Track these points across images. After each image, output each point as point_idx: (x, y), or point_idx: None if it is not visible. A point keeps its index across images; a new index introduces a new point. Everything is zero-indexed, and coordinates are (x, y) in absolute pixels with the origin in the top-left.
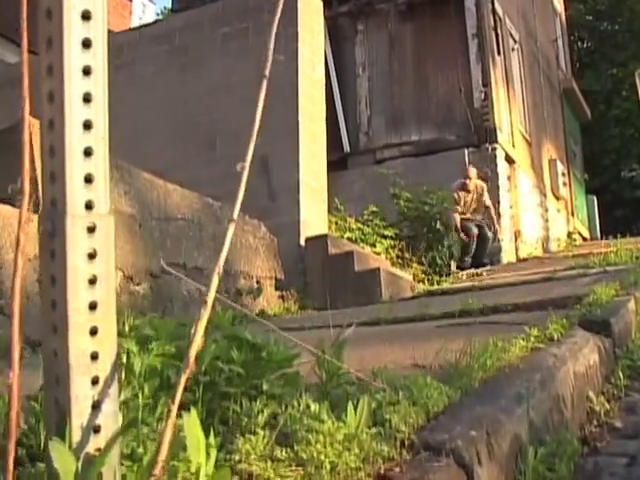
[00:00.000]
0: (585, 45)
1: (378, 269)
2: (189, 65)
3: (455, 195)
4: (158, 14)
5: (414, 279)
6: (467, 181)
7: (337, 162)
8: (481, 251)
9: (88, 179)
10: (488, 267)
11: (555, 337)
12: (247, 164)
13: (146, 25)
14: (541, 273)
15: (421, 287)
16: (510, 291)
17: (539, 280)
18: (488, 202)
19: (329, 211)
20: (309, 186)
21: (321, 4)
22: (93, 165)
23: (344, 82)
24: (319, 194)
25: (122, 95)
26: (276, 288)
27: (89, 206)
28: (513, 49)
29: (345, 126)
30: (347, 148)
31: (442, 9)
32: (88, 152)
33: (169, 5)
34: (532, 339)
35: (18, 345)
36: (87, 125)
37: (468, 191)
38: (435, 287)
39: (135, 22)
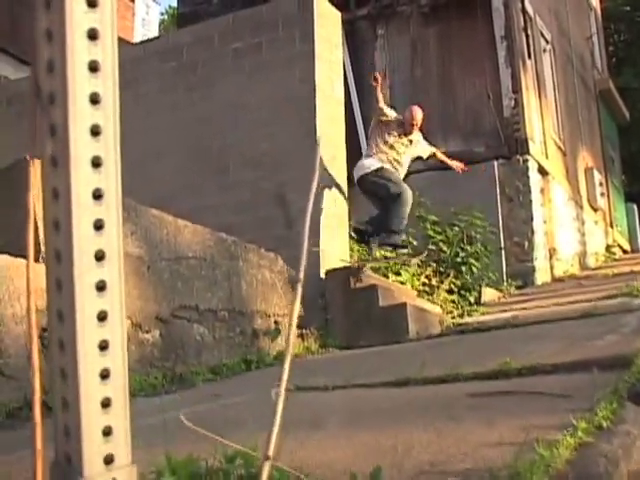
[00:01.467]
0: (622, 38)
1: (404, 304)
2: (198, 83)
3: (390, 116)
4: (162, 13)
5: (442, 309)
6: (412, 125)
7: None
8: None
9: (98, 226)
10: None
11: (604, 425)
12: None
13: (150, 40)
14: (579, 302)
15: (450, 320)
16: (547, 332)
17: (578, 316)
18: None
19: (350, 237)
20: (329, 214)
21: (339, 16)
22: (104, 209)
23: (363, 90)
24: (340, 222)
25: (126, 115)
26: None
27: (99, 256)
28: (545, 50)
29: (364, 134)
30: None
31: (468, 10)
32: (98, 195)
33: (174, 3)
34: (579, 432)
35: (38, 401)
36: (96, 164)
37: (406, 137)
38: (465, 320)
39: (138, 23)
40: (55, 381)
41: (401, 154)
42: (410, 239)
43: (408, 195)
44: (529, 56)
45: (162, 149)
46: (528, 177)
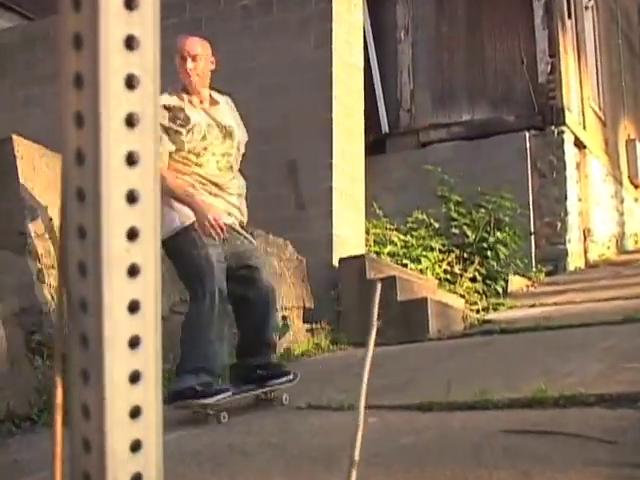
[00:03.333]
0: None
1: (425, 299)
2: None
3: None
4: None
5: (465, 300)
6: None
7: (374, 144)
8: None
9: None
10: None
11: None
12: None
13: None
14: (619, 298)
15: (474, 315)
16: (585, 341)
17: (619, 321)
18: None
19: (366, 216)
20: (344, 194)
21: None
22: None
23: (383, 48)
24: (356, 204)
25: None
26: (304, 320)
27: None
28: (587, 8)
29: (384, 101)
30: (386, 128)
31: None
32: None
33: None
34: None
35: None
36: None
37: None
38: (490, 316)
39: None
40: (75, 384)
41: (209, 158)
42: (432, 221)
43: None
44: (569, 15)
45: None
46: (563, 151)
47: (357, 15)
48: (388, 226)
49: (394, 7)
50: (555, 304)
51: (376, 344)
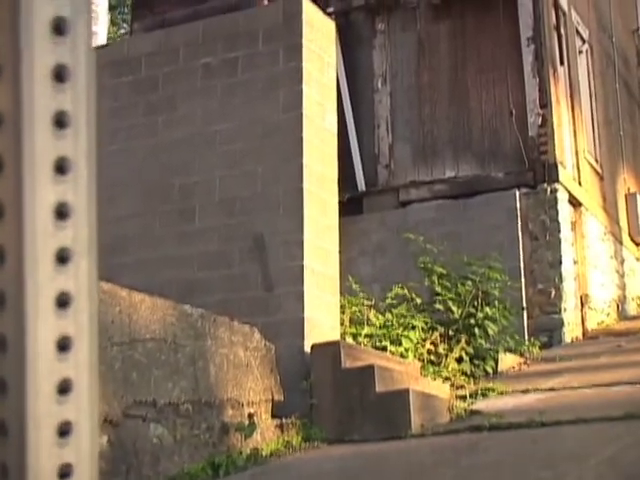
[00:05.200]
0: None
1: (406, 391)
2: (160, 105)
3: None
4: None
5: (451, 383)
6: None
7: (349, 204)
8: None
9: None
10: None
11: None
12: None
13: (101, 47)
14: (621, 383)
15: (461, 405)
16: (584, 449)
17: (621, 416)
18: None
19: (341, 289)
20: (316, 273)
21: (333, 27)
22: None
23: (359, 98)
24: (329, 283)
25: None
26: (273, 415)
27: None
28: (580, 52)
29: (360, 156)
30: (362, 186)
31: (488, 3)
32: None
33: None
34: None
35: None
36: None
37: None
38: (478, 405)
39: None
40: None
41: None
42: (413, 295)
43: None
44: (561, 62)
45: (113, 185)
46: (557, 210)
47: (330, 75)
48: (365, 302)
49: (370, 53)
50: (551, 390)
51: (351, 440)
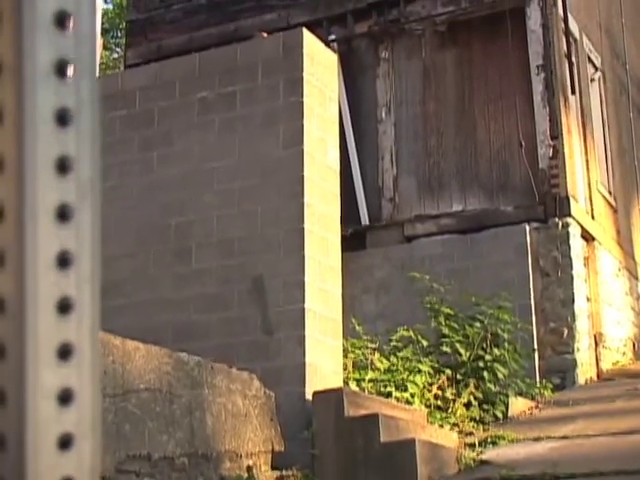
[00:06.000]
0: None
1: (412, 441)
2: (155, 140)
3: None
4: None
5: (459, 430)
6: None
7: (352, 238)
8: None
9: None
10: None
11: None
12: None
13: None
14: (637, 431)
15: (470, 455)
16: None
17: (636, 471)
18: None
19: (343, 333)
20: (318, 316)
21: (336, 59)
22: None
23: (362, 129)
24: (332, 326)
25: None
26: (273, 466)
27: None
28: (593, 80)
29: (363, 189)
30: (365, 220)
31: (496, 31)
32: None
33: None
34: None
35: None
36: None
37: None
38: (488, 455)
39: None
40: None
41: None
42: (419, 337)
43: None
44: (572, 91)
45: (106, 224)
46: (569, 245)
47: (332, 109)
48: (369, 345)
49: (374, 82)
50: (564, 438)
51: None
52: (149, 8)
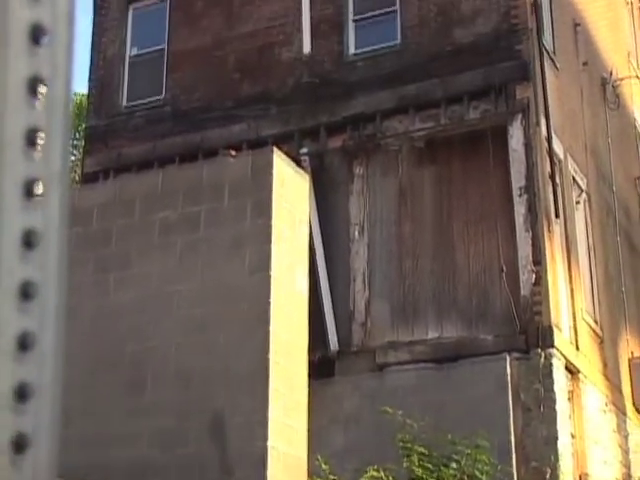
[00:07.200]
0: None
1: None
2: (112, 261)
3: None
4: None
5: None
6: None
7: (320, 365)
8: None
9: None
10: None
11: None
12: None
13: None
14: None
15: None
16: None
17: None
18: None
19: (308, 472)
20: (282, 454)
21: (307, 180)
22: None
23: (333, 248)
24: (296, 465)
25: None
26: None
27: None
28: (578, 202)
29: (333, 313)
30: (335, 346)
31: (476, 149)
32: None
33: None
34: None
35: None
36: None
37: None
38: None
39: None
40: None
41: None
42: (391, 478)
43: None
44: (557, 214)
45: None
46: (552, 379)
47: (302, 233)
48: None
49: (347, 200)
50: None
51: None
52: (111, 114)
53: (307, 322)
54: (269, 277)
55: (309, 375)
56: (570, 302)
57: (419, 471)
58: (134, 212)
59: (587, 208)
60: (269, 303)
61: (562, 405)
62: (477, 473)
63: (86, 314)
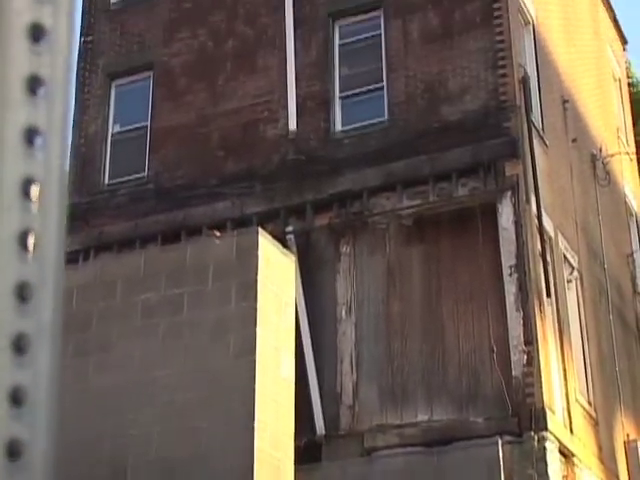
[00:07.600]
0: None
1: None
2: (92, 345)
3: None
4: None
5: None
6: None
7: (306, 450)
8: None
9: None
10: None
11: None
12: None
13: None
14: None
15: None
16: None
17: None
18: None
19: None
20: None
21: (293, 261)
22: None
23: (319, 328)
24: None
25: None
26: None
27: None
28: (569, 281)
29: (319, 395)
30: (321, 429)
31: (465, 227)
32: None
33: None
34: None
35: None
36: None
37: None
38: None
39: None
40: None
41: None
42: None
43: None
44: (548, 293)
45: None
46: (546, 463)
47: (289, 316)
48: None
49: (334, 278)
50: None
51: None
52: (92, 192)
53: (293, 407)
54: (254, 362)
55: (295, 460)
56: (563, 383)
57: None
58: (115, 294)
59: (579, 286)
60: (254, 389)
61: None
62: None
63: (63, 400)
